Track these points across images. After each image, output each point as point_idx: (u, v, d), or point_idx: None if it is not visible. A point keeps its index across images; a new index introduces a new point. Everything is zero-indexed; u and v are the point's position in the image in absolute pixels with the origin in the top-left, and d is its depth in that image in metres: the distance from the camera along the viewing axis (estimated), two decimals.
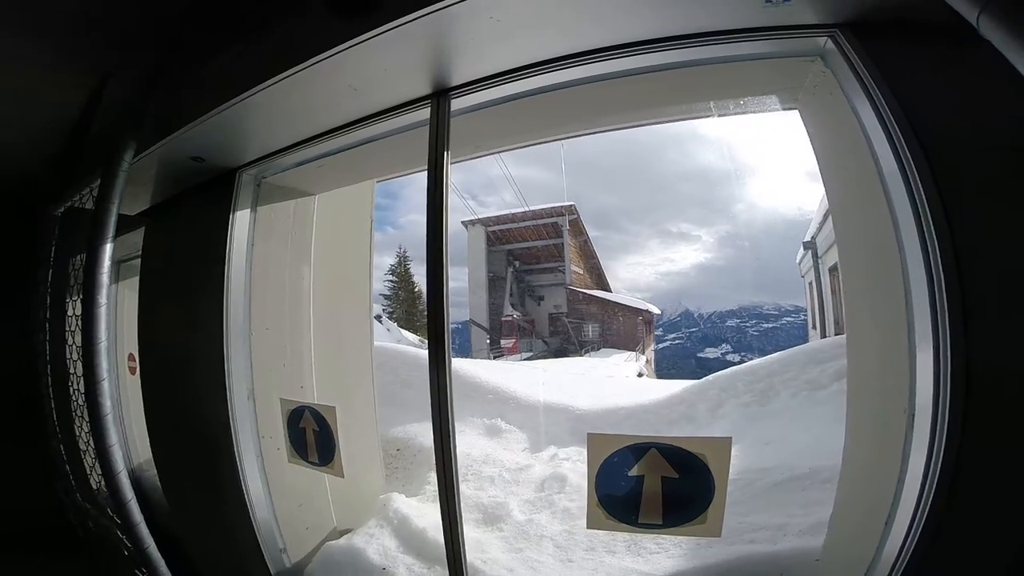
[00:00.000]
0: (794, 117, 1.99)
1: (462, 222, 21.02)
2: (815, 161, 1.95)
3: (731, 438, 1.59)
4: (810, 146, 1.96)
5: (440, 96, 1.91)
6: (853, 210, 1.82)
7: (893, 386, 1.51)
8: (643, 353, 19.25)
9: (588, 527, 1.69)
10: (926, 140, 1.36)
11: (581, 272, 21.47)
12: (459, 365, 6.75)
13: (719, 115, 2.04)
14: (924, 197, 1.33)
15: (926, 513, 1.34)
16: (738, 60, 1.71)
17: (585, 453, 4.84)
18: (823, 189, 1.96)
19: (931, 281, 1.33)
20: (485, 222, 20.59)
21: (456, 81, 1.86)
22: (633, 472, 1.63)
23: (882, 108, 1.42)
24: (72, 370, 2.88)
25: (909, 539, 1.38)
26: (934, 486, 1.32)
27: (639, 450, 1.62)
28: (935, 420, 1.32)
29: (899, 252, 1.45)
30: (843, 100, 1.60)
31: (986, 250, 1.30)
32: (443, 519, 1.96)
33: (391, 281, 23.28)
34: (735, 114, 2.06)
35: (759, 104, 2.01)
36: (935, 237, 1.31)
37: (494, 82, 1.83)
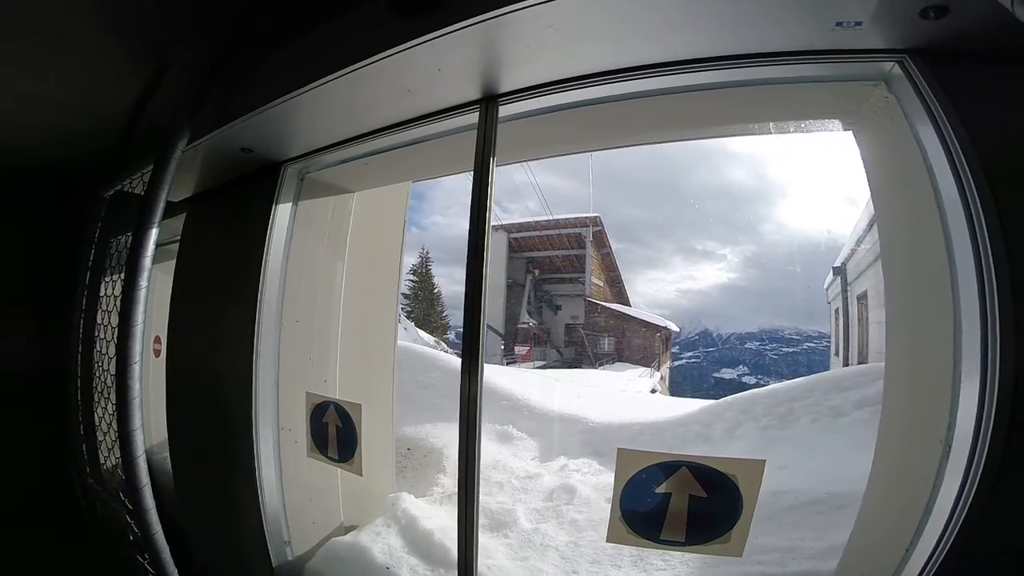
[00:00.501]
0: (835, 141, 1.97)
1: None
2: (867, 185, 1.91)
3: (765, 461, 1.57)
4: (863, 170, 1.93)
5: (489, 101, 1.92)
6: (904, 237, 1.79)
7: (930, 415, 1.49)
8: (658, 370, 19.17)
9: (608, 540, 1.68)
10: (991, 170, 1.33)
11: (601, 284, 21.48)
12: None
13: (770, 134, 2.03)
14: (985, 228, 1.30)
15: (950, 544, 1.32)
16: (799, 82, 1.70)
17: (596, 465, 4.84)
18: (873, 213, 1.93)
19: (984, 313, 1.30)
20: (508, 228, 20.70)
21: (506, 87, 1.86)
22: (661, 489, 1.62)
23: (948, 136, 1.39)
24: (102, 350, 2.93)
25: (928, 568, 1.36)
26: (962, 518, 1.30)
27: (669, 468, 1.61)
28: (973, 453, 1.29)
29: (951, 281, 1.43)
30: (904, 127, 1.57)
31: None
32: (459, 526, 1.95)
33: (412, 281, 23.44)
34: (787, 134, 2.04)
35: (813, 126, 1.99)
36: (993, 268, 1.29)
37: (545, 91, 1.83)
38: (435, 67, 1.72)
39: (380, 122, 2.16)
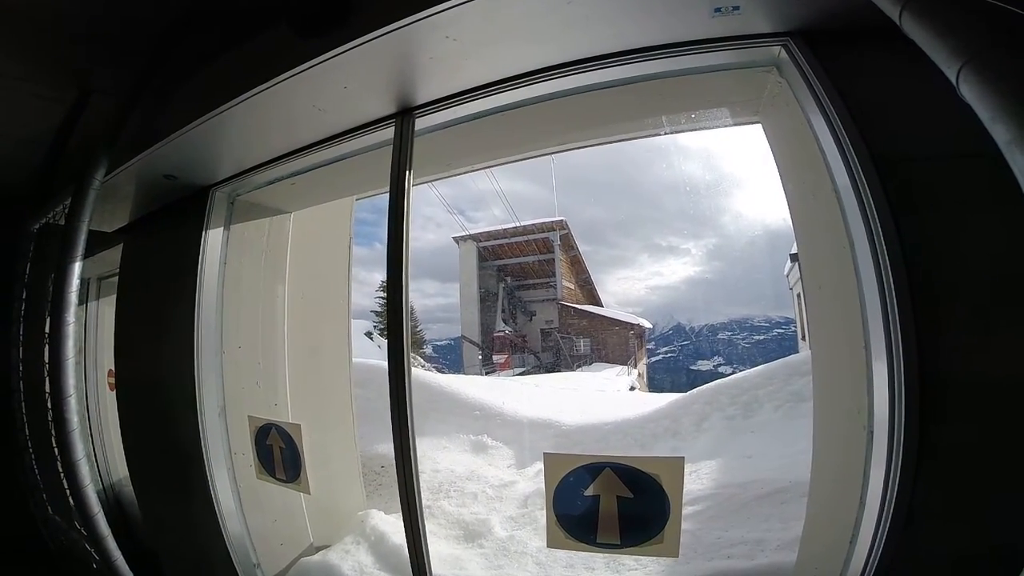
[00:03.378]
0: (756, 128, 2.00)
1: (453, 238, 21.09)
2: (776, 171, 1.95)
3: (683, 458, 1.58)
4: (771, 156, 1.98)
5: (404, 115, 1.93)
6: (813, 224, 1.82)
7: (855, 404, 1.51)
8: (635, 367, 19.28)
9: (548, 546, 1.68)
10: (876, 150, 1.37)
11: (572, 287, 21.54)
12: (447, 381, 6.76)
13: (671, 131, 2.05)
14: (874, 208, 1.34)
15: (887, 530, 1.33)
16: (700, 72, 1.73)
17: None
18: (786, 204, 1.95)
19: (883, 296, 1.32)
20: (476, 238, 20.66)
21: (419, 100, 1.88)
22: (589, 492, 1.62)
23: (833, 118, 1.43)
24: (46, 386, 2.86)
25: (872, 556, 1.37)
26: (893, 503, 1.32)
27: (594, 470, 1.61)
28: (892, 436, 1.31)
29: (853, 267, 1.45)
30: (798, 110, 1.60)
31: (936, 260, 1.31)
32: (406, 529, 2.00)
33: (382, 297, 23.08)
34: (695, 128, 2.07)
35: (726, 116, 2.02)
36: (886, 250, 1.32)
37: (456, 101, 1.85)
38: (341, 85, 1.73)
39: (300, 142, 2.17)
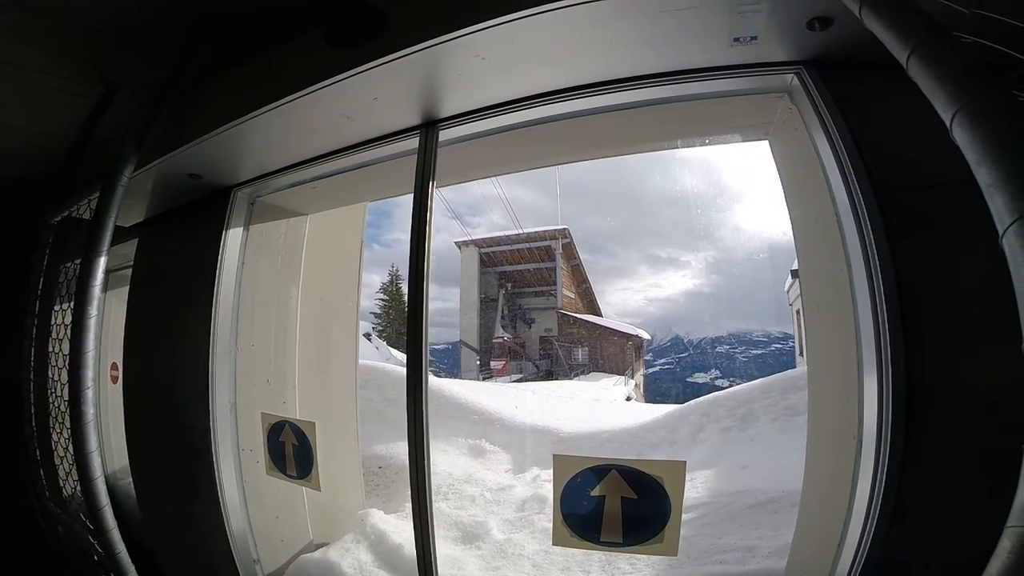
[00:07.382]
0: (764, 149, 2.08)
1: (455, 242, 21.08)
2: (782, 193, 2.02)
3: (685, 462, 1.65)
4: (778, 178, 2.05)
5: (428, 127, 2.01)
6: (814, 245, 1.89)
7: (845, 415, 1.57)
8: (632, 377, 19.30)
9: (554, 544, 1.73)
10: (876, 176, 1.44)
11: (572, 296, 21.56)
12: (445, 386, 6.79)
13: (686, 147, 2.12)
14: (872, 233, 1.40)
15: (871, 538, 1.39)
16: (714, 96, 1.80)
17: None
18: (790, 224, 2.02)
19: (876, 317, 1.39)
20: (478, 243, 20.67)
21: (444, 113, 1.96)
22: (595, 492, 1.69)
23: (838, 144, 1.50)
24: (55, 377, 2.89)
25: (856, 563, 1.42)
26: (878, 511, 1.37)
27: (600, 471, 1.68)
28: (879, 446, 1.37)
29: (850, 288, 1.52)
30: (806, 135, 1.67)
31: (927, 283, 1.37)
32: (415, 531, 2.04)
33: (381, 299, 23.01)
34: (710, 146, 2.14)
35: (736, 138, 2.09)
36: (881, 273, 1.38)
37: (479, 115, 1.93)
38: (371, 96, 1.81)
39: (323, 148, 2.23)
